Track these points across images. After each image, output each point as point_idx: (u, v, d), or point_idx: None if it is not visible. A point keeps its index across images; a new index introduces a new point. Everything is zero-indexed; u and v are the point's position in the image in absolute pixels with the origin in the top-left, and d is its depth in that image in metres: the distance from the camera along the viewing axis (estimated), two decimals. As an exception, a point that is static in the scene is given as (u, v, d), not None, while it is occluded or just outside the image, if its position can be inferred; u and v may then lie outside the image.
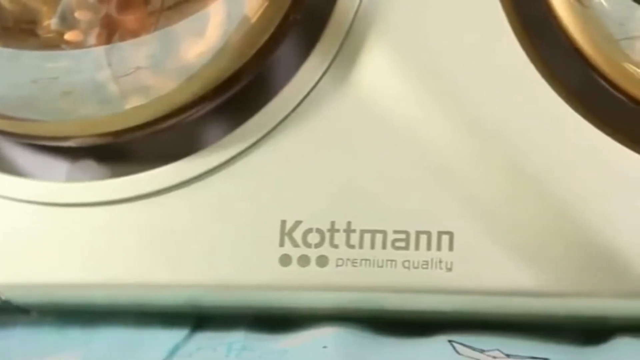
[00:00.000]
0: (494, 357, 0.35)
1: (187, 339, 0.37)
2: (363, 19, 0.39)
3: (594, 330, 0.37)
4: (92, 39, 0.37)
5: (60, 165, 0.41)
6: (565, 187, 0.37)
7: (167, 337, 0.37)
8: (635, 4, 0.38)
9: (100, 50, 0.38)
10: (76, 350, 0.37)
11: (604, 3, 0.38)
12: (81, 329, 0.39)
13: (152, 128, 0.39)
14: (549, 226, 0.37)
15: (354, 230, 0.37)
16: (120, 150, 0.41)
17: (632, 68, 0.38)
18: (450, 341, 0.36)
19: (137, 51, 0.38)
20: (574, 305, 0.37)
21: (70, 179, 0.41)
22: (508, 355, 0.36)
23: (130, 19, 0.38)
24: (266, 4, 0.39)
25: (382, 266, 0.37)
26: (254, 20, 0.38)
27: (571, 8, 0.38)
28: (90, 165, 0.41)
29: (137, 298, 0.38)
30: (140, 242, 0.38)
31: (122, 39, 0.38)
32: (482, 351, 0.36)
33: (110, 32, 0.38)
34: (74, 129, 0.39)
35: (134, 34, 0.38)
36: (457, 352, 0.36)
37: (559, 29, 0.38)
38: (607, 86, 0.38)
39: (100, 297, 0.38)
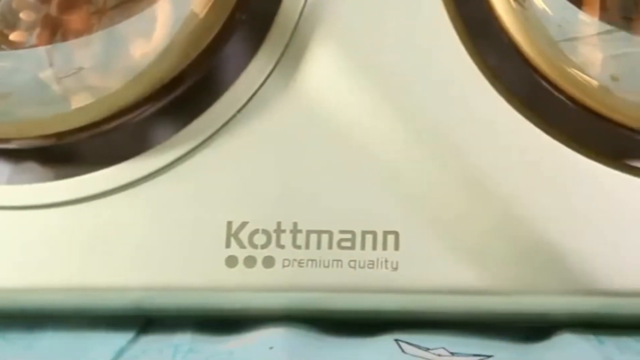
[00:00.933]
0: (439, 355, 0.36)
1: (132, 341, 0.37)
2: (308, 19, 0.39)
3: (536, 327, 0.38)
4: (33, 38, 0.37)
5: (2, 168, 0.40)
6: (508, 187, 0.38)
7: (112, 341, 0.37)
8: (573, 6, 0.38)
9: (42, 50, 0.37)
10: (18, 355, 0.37)
11: (543, 5, 0.39)
12: (24, 333, 0.38)
13: (96, 129, 0.38)
14: (492, 225, 0.37)
15: (300, 231, 0.37)
16: (64, 151, 0.40)
17: (571, 69, 0.38)
18: (396, 340, 0.37)
19: (80, 51, 0.37)
20: (517, 303, 0.37)
21: (11, 181, 0.40)
22: (453, 353, 0.36)
23: (72, 19, 0.37)
24: (211, 2, 0.38)
25: (328, 266, 0.37)
26: (199, 18, 0.38)
27: (511, 9, 0.39)
28: (32, 167, 0.40)
29: (82, 302, 0.38)
30: (84, 245, 0.37)
31: (64, 38, 0.37)
32: (427, 349, 0.36)
33: (52, 31, 0.37)
34: (16, 131, 0.39)
35: (77, 33, 0.37)
36: (403, 351, 0.36)
37: (500, 30, 0.39)
38: (548, 87, 0.39)
39: (43, 301, 0.38)
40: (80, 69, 0.38)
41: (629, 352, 0.35)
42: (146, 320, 0.39)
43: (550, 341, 0.37)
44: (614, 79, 0.38)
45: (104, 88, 0.38)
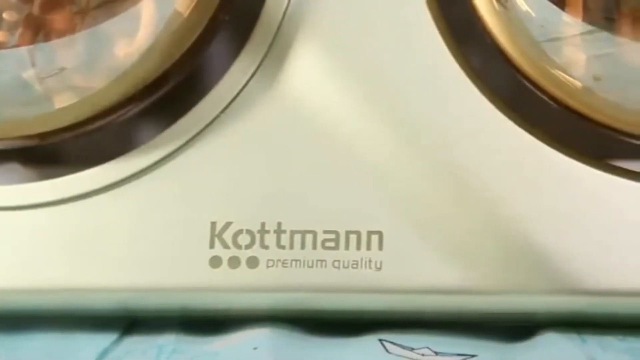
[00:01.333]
0: (423, 355, 0.36)
1: (116, 342, 0.37)
2: (292, 20, 0.39)
3: (520, 327, 0.38)
4: (15, 38, 0.37)
5: (-16, 169, 0.40)
6: (491, 187, 0.38)
7: (96, 342, 0.37)
8: (555, 7, 0.38)
9: (24, 50, 0.37)
10: (1, 356, 0.36)
11: (525, 5, 0.39)
12: (7, 335, 0.38)
13: (80, 129, 0.38)
14: (476, 225, 0.37)
15: (284, 231, 0.37)
16: (48, 152, 0.40)
17: (554, 70, 0.39)
18: (380, 340, 0.37)
19: (63, 51, 0.37)
20: (500, 303, 0.37)
21: (-6, 182, 0.40)
22: (437, 353, 0.36)
23: (55, 19, 0.37)
24: (195, 2, 0.38)
25: (312, 266, 0.37)
26: (183, 18, 0.38)
27: (494, 10, 0.39)
28: (15, 168, 0.40)
29: (66, 303, 0.38)
30: (68, 245, 0.37)
31: (47, 38, 0.37)
32: (411, 349, 0.36)
33: (34, 32, 0.37)
34: (-2, 131, 0.39)
35: (59, 33, 0.37)
36: (387, 350, 0.36)
37: (483, 31, 0.39)
38: (531, 87, 0.39)
39: (27, 302, 0.38)
40: (63, 69, 0.38)
41: (611, 350, 0.36)
42: (130, 321, 0.39)
43: (533, 340, 0.37)
44: (596, 79, 0.39)
45: (87, 88, 0.38)
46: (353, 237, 0.37)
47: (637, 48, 0.38)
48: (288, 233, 0.37)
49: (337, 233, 0.37)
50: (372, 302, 0.37)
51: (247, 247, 0.37)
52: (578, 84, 0.38)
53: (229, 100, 0.38)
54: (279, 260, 0.37)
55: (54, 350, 0.36)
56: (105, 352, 0.36)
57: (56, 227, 0.37)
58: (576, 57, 0.39)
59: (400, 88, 0.38)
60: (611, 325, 0.37)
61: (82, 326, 0.38)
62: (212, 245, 0.37)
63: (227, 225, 0.37)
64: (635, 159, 0.38)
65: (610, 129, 0.38)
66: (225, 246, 0.37)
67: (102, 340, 0.37)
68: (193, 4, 0.38)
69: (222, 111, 0.38)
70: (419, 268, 0.37)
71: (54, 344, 0.37)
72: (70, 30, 0.37)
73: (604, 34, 0.38)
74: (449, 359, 0.35)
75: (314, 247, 0.37)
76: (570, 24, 0.38)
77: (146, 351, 0.36)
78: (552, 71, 0.38)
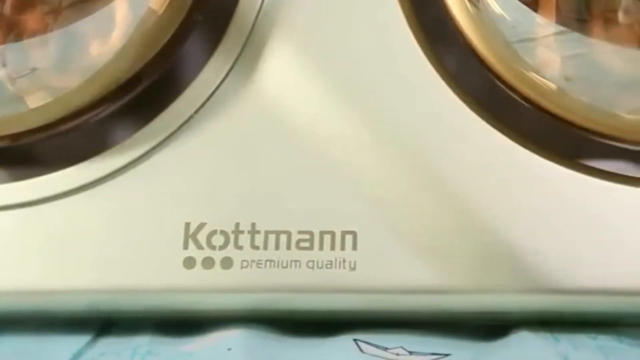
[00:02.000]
0: (398, 355, 0.36)
1: (90, 344, 0.37)
2: (265, 19, 0.39)
3: (493, 326, 0.38)
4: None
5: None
6: (464, 187, 0.38)
7: (70, 343, 0.36)
8: (527, 8, 0.39)
9: (-6, 50, 0.37)
10: (-27, 359, 0.36)
11: (497, 6, 0.39)
12: (-21, 337, 0.38)
13: (53, 130, 0.38)
14: (450, 225, 0.37)
15: (258, 232, 0.37)
16: (21, 153, 0.39)
17: (526, 70, 0.39)
18: (355, 340, 0.37)
19: (35, 51, 0.37)
20: (473, 302, 0.38)
21: (-36, 184, 0.39)
22: (411, 352, 0.36)
23: (26, 19, 0.37)
24: (168, 1, 0.38)
25: (286, 267, 0.37)
26: (157, 16, 0.38)
27: (466, 10, 0.39)
28: (-14, 169, 0.40)
29: (39, 304, 0.37)
30: (41, 247, 0.37)
31: (19, 38, 0.37)
32: (385, 349, 0.36)
33: (6, 32, 0.37)
34: (-32, 133, 0.38)
35: (31, 33, 0.37)
36: (361, 350, 0.36)
37: (456, 32, 0.39)
38: (503, 88, 0.39)
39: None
40: (34, 69, 0.37)
41: (584, 349, 0.36)
42: (105, 322, 0.38)
43: (507, 339, 0.37)
44: (567, 79, 0.39)
45: (61, 88, 0.38)
46: (327, 237, 0.37)
47: (608, 49, 0.38)
48: (262, 233, 0.37)
49: (311, 233, 0.37)
50: (346, 302, 0.37)
51: (221, 247, 0.37)
52: (550, 84, 0.38)
53: (203, 100, 0.38)
54: (253, 260, 0.37)
55: (27, 353, 0.36)
56: (78, 354, 0.36)
57: (29, 228, 0.37)
58: (548, 58, 0.39)
59: (374, 88, 0.39)
60: (584, 323, 0.37)
61: (55, 328, 0.38)
62: (186, 246, 0.37)
63: (201, 225, 0.37)
64: (607, 159, 0.39)
65: (582, 129, 0.38)
66: (199, 247, 0.37)
67: (75, 342, 0.37)
68: (167, 2, 0.38)
69: (196, 111, 0.38)
70: (392, 268, 0.37)
71: (27, 346, 0.37)
72: (42, 30, 0.37)
73: (576, 35, 0.39)
74: (423, 358, 0.35)
75: (288, 247, 0.37)
76: (542, 25, 0.39)
77: (120, 353, 0.36)
78: (525, 72, 0.39)
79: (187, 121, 0.38)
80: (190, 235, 0.37)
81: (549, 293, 0.37)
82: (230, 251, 0.37)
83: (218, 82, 0.38)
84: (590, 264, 0.37)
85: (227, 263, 0.37)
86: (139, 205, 0.37)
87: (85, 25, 0.37)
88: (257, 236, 0.37)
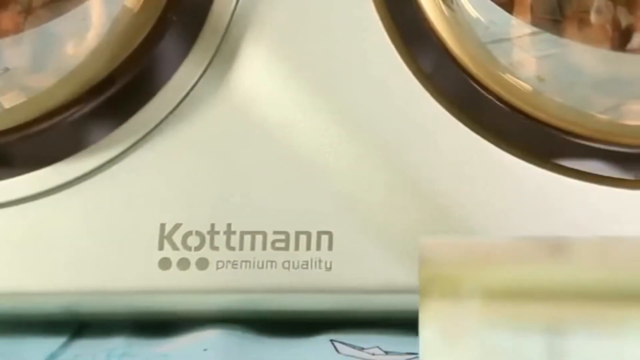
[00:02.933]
0: (374, 355, 0.36)
1: (64, 347, 0.37)
2: (240, 21, 0.39)
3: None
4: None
5: None
6: (439, 186, 0.38)
7: (43, 345, 0.36)
8: (500, 9, 0.39)
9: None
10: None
11: (470, 6, 0.39)
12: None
13: (27, 130, 0.38)
14: (425, 224, 0.38)
15: (234, 232, 0.37)
16: (-7, 153, 0.40)
17: (499, 70, 0.39)
18: (331, 340, 0.37)
19: (7, 51, 0.37)
20: (449, 301, 0.38)
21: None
22: (387, 352, 0.36)
23: None
24: (142, 1, 0.38)
25: (262, 267, 0.37)
26: (132, 14, 0.38)
27: (440, 11, 0.39)
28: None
29: (13, 306, 0.37)
30: (15, 248, 0.37)
31: (-11, 39, 0.37)
32: (361, 349, 0.36)
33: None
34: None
35: (3, 33, 0.37)
36: (337, 350, 0.36)
37: (430, 32, 0.39)
38: (478, 88, 0.39)
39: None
40: (7, 69, 0.37)
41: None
42: (80, 324, 0.38)
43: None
44: (541, 79, 0.39)
45: (35, 88, 0.37)
46: (303, 238, 0.37)
47: (581, 49, 0.39)
48: (238, 234, 0.37)
49: (287, 234, 0.37)
50: (322, 302, 0.38)
51: (197, 248, 0.37)
52: (525, 85, 0.39)
53: (177, 101, 0.38)
54: (229, 261, 0.37)
55: (0, 354, 0.36)
56: (52, 356, 0.36)
57: (4, 230, 0.37)
58: (522, 58, 0.39)
59: (349, 89, 0.39)
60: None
61: (29, 330, 0.38)
62: (161, 247, 0.37)
63: (177, 226, 0.37)
64: (581, 159, 0.39)
65: (556, 129, 0.38)
66: (175, 248, 0.37)
67: (50, 344, 0.37)
68: (142, 1, 0.38)
69: (171, 112, 0.38)
70: (368, 268, 0.37)
71: (0, 347, 0.37)
72: (15, 29, 0.37)
73: (548, 35, 0.39)
74: (399, 358, 0.36)
75: (264, 247, 0.37)
76: (517, 25, 0.39)
77: (95, 355, 0.36)
78: (498, 72, 0.39)
79: (161, 122, 0.38)
80: (165, 236, 0.37)
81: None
82: (205, 252, 0.37)
83: (193, 82, 0.38)
84: (564, 263, 0.37)
85: (202, 264, 0.37)
86: (114, 206, 0.37)
87: (61, 24, 0.37)
88: (232, 237, 0.37)
